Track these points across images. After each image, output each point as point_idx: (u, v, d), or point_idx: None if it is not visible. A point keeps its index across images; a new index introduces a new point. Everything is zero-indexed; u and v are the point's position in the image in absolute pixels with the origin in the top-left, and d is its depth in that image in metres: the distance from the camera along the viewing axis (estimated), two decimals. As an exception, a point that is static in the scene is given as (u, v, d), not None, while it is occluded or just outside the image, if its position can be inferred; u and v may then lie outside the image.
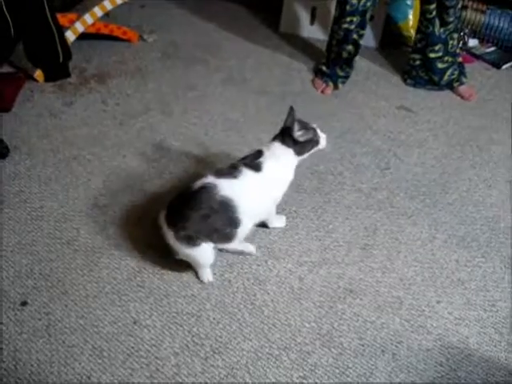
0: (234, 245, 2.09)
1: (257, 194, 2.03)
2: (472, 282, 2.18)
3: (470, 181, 2.68)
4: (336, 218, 2.41)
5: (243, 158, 2.10)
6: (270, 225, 2.31)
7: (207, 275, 2.10)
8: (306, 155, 2.14)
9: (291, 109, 2.11)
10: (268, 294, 2.08)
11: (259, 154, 2.07)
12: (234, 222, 1.97)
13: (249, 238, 2.21)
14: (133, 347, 1.88)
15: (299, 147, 2.09)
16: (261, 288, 2.10)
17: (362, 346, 1.94)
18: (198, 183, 1.98)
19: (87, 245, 2.22)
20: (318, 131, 2.14)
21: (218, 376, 1.83)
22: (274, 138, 2.11)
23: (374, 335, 1.97)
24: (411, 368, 1.88)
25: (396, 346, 1.94)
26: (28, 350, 1.85)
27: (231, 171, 2.02)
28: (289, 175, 2.13)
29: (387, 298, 2.10)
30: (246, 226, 2.03)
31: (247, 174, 2.01)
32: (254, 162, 2.05)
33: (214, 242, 2.00)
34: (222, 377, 1.82)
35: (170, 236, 1.97)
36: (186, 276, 2.11)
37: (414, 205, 2.52)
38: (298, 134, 2.05)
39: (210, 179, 1.98)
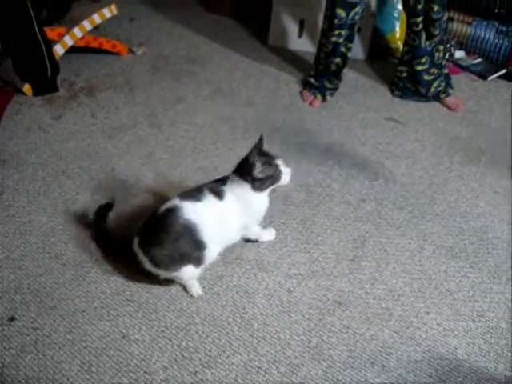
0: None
1: (219, 220, 2.01)
2: (460, 293, 2.19)
3: (457, 191, 2.69)
4: (325, 230, 2.42)
5: (211, 182, 2.08)
6: (260, 239, 2.31)
7: (196, 289, 2.10)
8: (266, 191, 2.05)
9: (260, 139, 2.03)
10: (257, 307, 2.08)
11: (225, 181, 2.04)
12: (198, 246, 1.97)
13: (238, 251, 2.22)
14: (121, 362, 1.87)
15: (258, 183, 2.00)
16: (250, 301, 2.10)
17: (352, 358, 1.94)
18: (163, 207, 2.00)
19: (75, 259, 2.21)
20: (282, 167, 2.03)
21: (208, 390, 1.83)
22: (235, 170, 2.04)
23: (363, 347, 1.97)
24: (401, 380, 1.88)
25: (385, 358, 1.94)
26: (16, 366, 1.84)
27: (195, 194, 2.01)
28: (256, 206, 2.09)
29: (376, 310, 2.10)
30: (213, 249, 2.03)
31: (210, 200, 2.00)
32: (218, 188, 2.02)
33: (188, 263, 2.00)
34: (211, 391, 1.82)
35: (146, 262, 2.00)
36: (175, 290, 2.11)
37: (403, 216, 2.52)
38: (257, 170, 1.96)
39: (175, 202, 1.99)
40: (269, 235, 2.34)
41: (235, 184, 2.02)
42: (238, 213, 2.04)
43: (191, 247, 1.96)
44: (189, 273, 2.01)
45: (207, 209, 1.98)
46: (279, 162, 2.03)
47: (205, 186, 2.04)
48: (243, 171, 2.00)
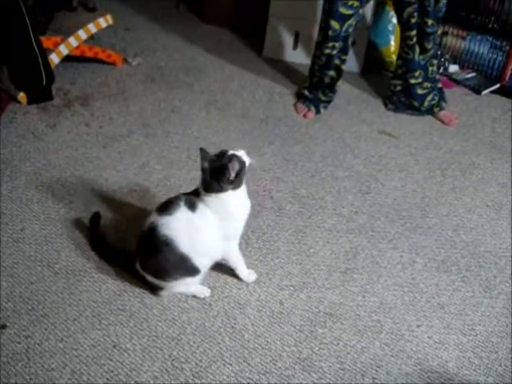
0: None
1: (193, 231, 1.96)
2: (451, 306, 2.19)
3: (450, 205, 2.70)
4: (317, 242, 2.42)
5: (187, 193, 2.05)
6: (238, 271, 2.19)
7: (203, 291, 2.12)
8: (243, 186, 1.99)
9: (202, 150, 1.93)
10: (248, 317, 2.08)
11: (198, 194, 1.99)
12: (183, 259, 1.96)
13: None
14: (112, 371, 1.87)
15: (236, 181, 1.92)
16: (241, 312, 2.10)
17: (342, 370, 1.94)
18: (146, 224, 2.01)
19: (68, 267, 2.21)
20: (237, 153, 1.95)
21: (198, 400, 1.82)
22: (206, 187, 1.95)
23: (354, 359, 1.97)
24: (391, 392, 1.89)
25: (376, 371, 1.94)
26: (7, 374, 1.83)
27: (168, 206, 1.98)
28: (236, 209, 2.01)
29: (367, 322, 2.11)
30: (200, 260, 2.00)
31: (183, 212, 1.96)
32: (193, 201, 1.98)
33: (188, 274, 2.01)
34: (201, 401, 1.82)
35: (152, 279, 2.05)
36: (167, 299, 2.11)
37: (395, 229, 2.53)
38: (231, 171, 1.89)
39: (153, 218, 1.99)
40: (248, 275, 2.22)
41: (208, 198, 1.95)
42: (216, 225, 1.98)
43: (179, 260, 1.96)
44: (187, 281, 2.03)
45: (179, 221, 1.95)
46: (231, 152, 1.95)
47: (181, 195, 2.02)
48: (214, 183, 1.92)
